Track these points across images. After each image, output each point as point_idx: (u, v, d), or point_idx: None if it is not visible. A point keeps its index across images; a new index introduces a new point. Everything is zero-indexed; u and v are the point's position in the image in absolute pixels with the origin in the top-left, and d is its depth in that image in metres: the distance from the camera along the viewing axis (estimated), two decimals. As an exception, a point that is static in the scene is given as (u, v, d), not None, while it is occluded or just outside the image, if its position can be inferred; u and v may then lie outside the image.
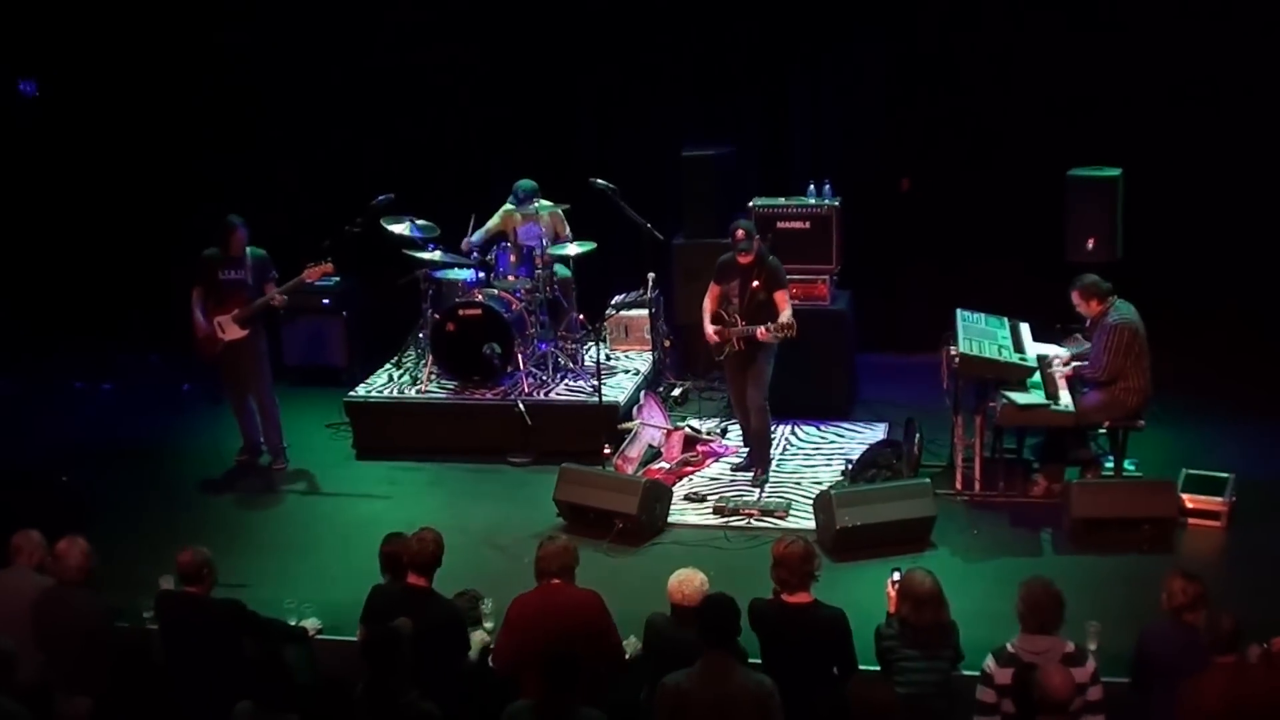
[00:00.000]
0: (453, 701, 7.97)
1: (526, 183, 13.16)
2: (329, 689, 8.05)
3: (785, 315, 11.21)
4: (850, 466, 11.62)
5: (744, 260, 11.29)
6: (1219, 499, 10.73)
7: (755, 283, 11.32)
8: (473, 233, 13.34)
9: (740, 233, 11.27)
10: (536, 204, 13.17)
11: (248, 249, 11.97)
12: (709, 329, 11.52)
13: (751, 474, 11.76)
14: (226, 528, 11.27)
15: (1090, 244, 12.56)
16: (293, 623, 9.20)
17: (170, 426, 13.52)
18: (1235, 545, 10.51)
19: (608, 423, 12.10)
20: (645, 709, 7.93)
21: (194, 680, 8.42)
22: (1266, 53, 13.21)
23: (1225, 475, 10.92)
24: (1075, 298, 11.08)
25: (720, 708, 7.27)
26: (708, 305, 11.57)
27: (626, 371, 13.40)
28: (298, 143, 15.07)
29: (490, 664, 8.32)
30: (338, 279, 13.45)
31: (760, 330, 11.19)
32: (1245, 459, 11.39)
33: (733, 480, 11.81)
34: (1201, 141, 13.43)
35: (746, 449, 11.99)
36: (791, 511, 11.20)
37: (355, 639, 8.66)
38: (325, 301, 14.09)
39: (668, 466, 12.01)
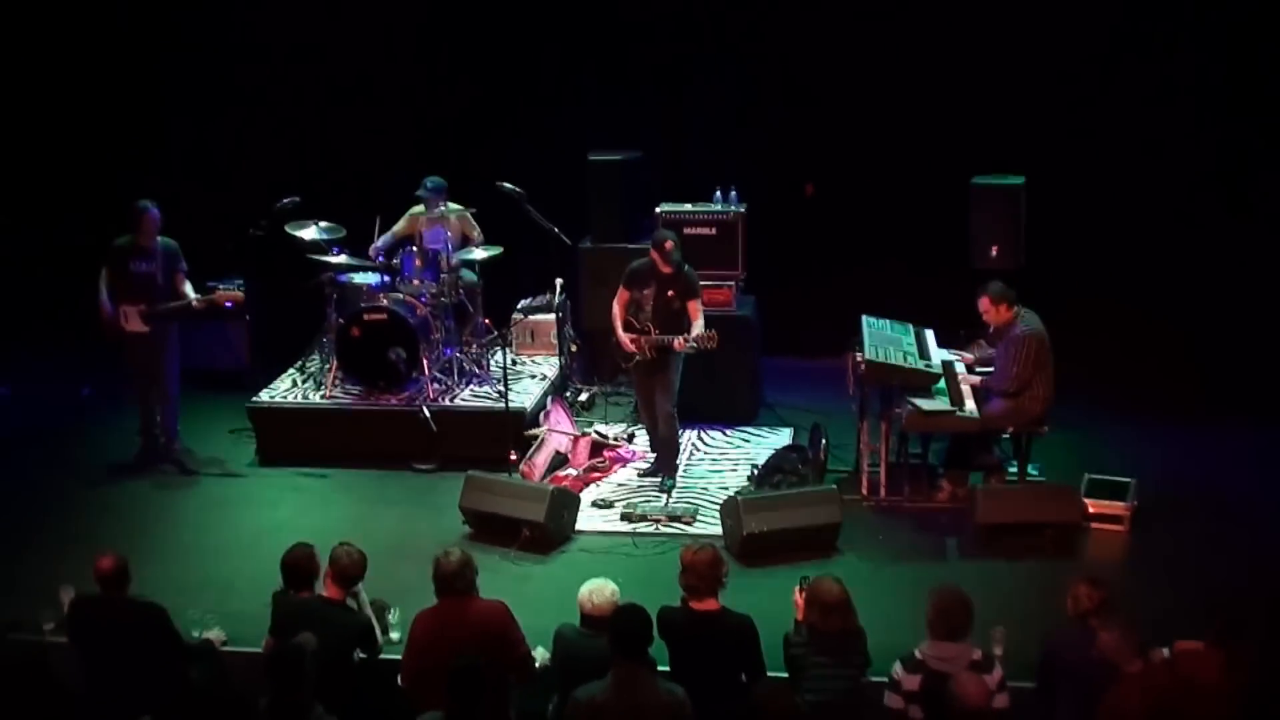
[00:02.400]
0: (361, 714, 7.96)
1: (435, 178, 13.11)
2: (234, 703, 7.95)
3: (698, 325, 11.22)
4: (756, 472, 11.64)
5: (665, 270, 11.30)
6: (1121, 503, 10.87)
7: (671, 291, 11.33)
8: (378, 238, 13.26)
9: (670, 244, 11.28)
10: (444, 206, 13.10)
11: (159, 239, 11.87)
12: (623, 337, 11.50)
13: (659, 479, 11.76)
14: (127, 536, 11.05)
15: (994, 251, 12.67)
16: (196, 634, 9.08)
17: (70, 431, 13.30)
18: (1138, 548, 10.66)
19: (514, 429, 12.05)
20: (554, 720, 7.92)
21: (108, 688, 8.28)
22: (1162, 62, 13.37)
23: (1127, 480, 11.06)
24: (984, 303, 11.14)
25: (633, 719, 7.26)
26: (617, 311, 11.56)
27: (533, 376, 13.34)
28: (202, 144, 14.89)
29: (399, 682, 8.23)
30: (241, 282, 13.34)
31: (678, 341, 11.19)
32: (1146, 463, 11.57)
33: (640, 486, 11.81)
34: (1100, 148, 13.59)
35: (654, 454, 11.98)
36: (699, 517, 11.22)
37: (259, 650, 8.59)
38: (228, 305, 13.89)
39: (575, 473, 11.98)
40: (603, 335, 13.12)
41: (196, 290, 12.17)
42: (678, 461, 11.94)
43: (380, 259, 13.13)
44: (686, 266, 11.45)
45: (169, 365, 12.20)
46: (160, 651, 8.40)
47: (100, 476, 12.27)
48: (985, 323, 11.32)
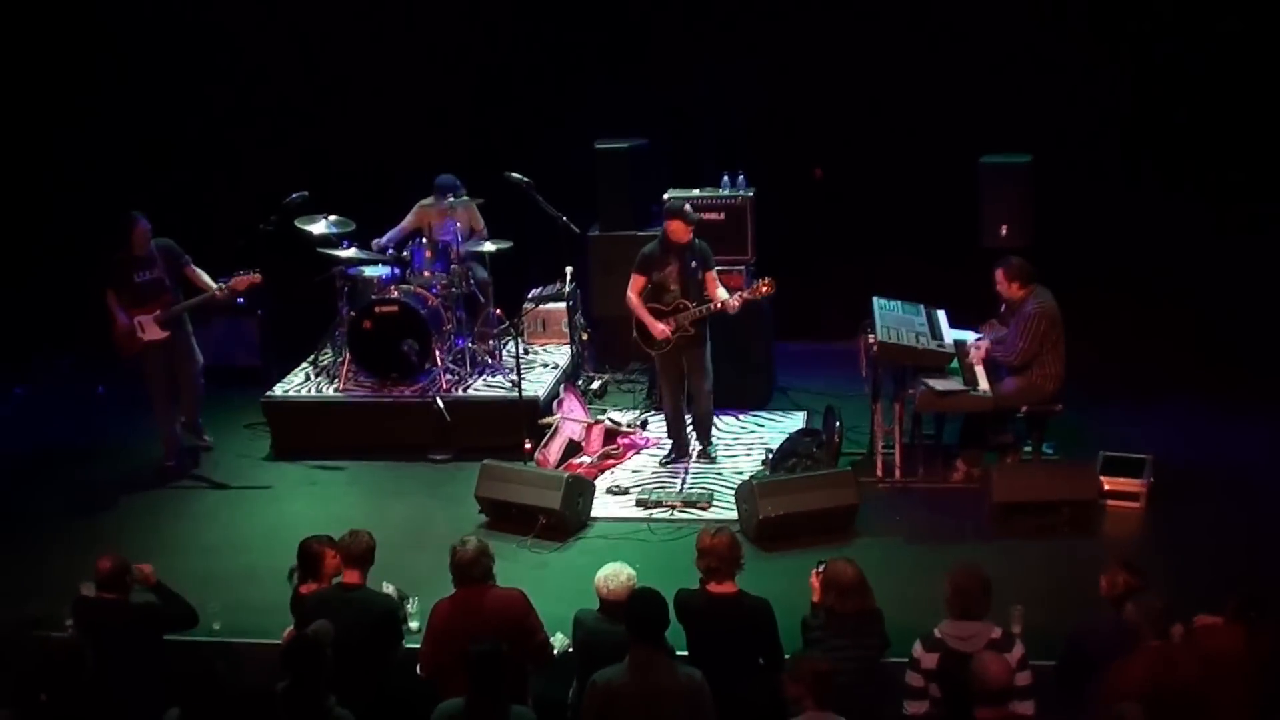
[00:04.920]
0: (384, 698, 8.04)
1: (448, 177, 13.13)
2: (254, 696, 7.97)
3: (723, 291, 11.34)
4: (771, 456, 11.65)
5: (686, 238, 11.33)
6: (1137, 480, 10.85)
7: (694, 262, 11.40)
8: (384, 236, 13.29)
9: (688, 206, 11.39)
10: (451, 198, 13.12)
11: (152, 242, 11.85)
12: (653, 321, 11.44)
13: (685, 459, 11.88)
14: (147, 531, 11.15)
15: (1004, 230, 12.68)
16: (216, 627, 9.14)
17: (86, 430, 13.31)
18: (1154, 526, 10.67)
19: (528, 418, 12.06)
20: (575, 706, 7.92)
21: (121, 685, 8.33)
22: (1168, 37, 13.36)
23: (1142, 457, 11.04)
24: (999, 277, 11.13)
25: (651, 703, 7.27)
26: (636, 301, 11.52)
27: (545, 365, 13.35)
28: (210, 141, 14.89)
29: (419, 671, 8.26)
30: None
31: (731, 302, 11.28)
32: (1161, 440, 11.53)
33: (654, 472, 11.82)
34: (1108, 124, 13.57)
35: (670, 440, 12.01)
36: (714, 502, 11.23)
37: (279, 641, 8.63)
38: (240, 301, 13.87)
39: (589, 460, 11.99)
40: (613, 323, 13.19)
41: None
42: (690, 450, 11.99)
43: (390, 252, 13.14)
44: (698, 239, 11.52)
45: (192, 368, 12.19)
46: (161, 647, 8.49)
47: (122, 475, 12.27)
48: (1000, 298, 11.30)
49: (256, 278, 12.03)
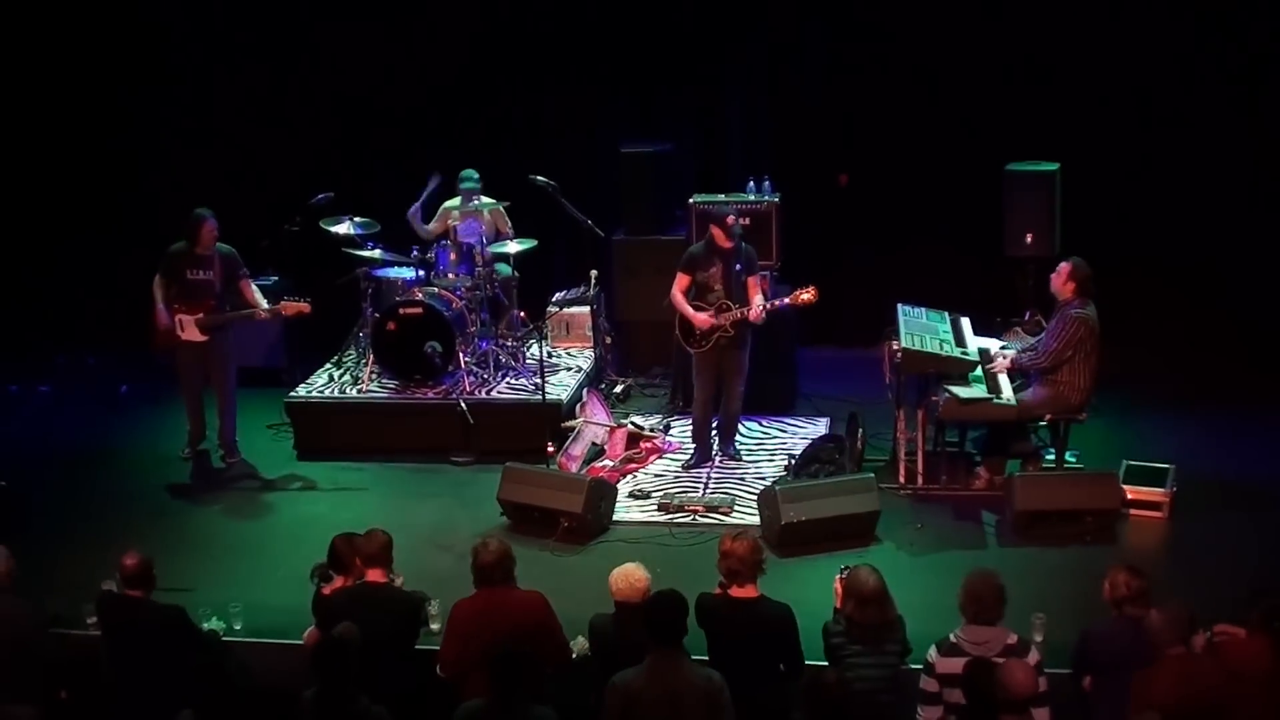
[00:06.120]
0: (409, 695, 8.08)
1: (470, 171, 13.23)
2: (270, 697, 7.99)
3: (759, 299, 11.36)
4: (793, 462, 11.63)
5: (727, 245, 11.37)
6: (1160, 490, 10.80)
7: (739, 265, 11.41)
8: (422, 198, 13.30)
9: (731, 218, 11.41)
10: (478, 200, 13.14)
11: (216, 245, 11.81)
12: (695, 315, 11.46)
13: (708, 463, 11.87)
14: (168, 531, 11.13)
15: (1029, 238, 12.65)
16: (238, 626, 9.20)
17: (109, 429, 13.36)
18: (1177, 536, 10.61)
19: (551, 421, 12.06)
20: (595, 710, 7.92)
21: (137, 684, 8.36)
22: (1201, 47, 13.31)
23: (1166, 466, 11.00)
24: (1062, 269, 11.01)
25: (670, 704, 7.26)
26: (681, 299, 11.53)
27: (569, 369, 13.35)
28: (233, 141, 14.93)
29: (438, 671, 8.27)
30: (276, 279, 13.39)
31: (755, 311, 11.30)
32: (1185, 450, 11.50)
33: (677, 477, 11.81)
34: (1135, 133, 13.53)
35: (693, 444, 12.02)
36: (736, 507, 11.20)
37: (299, 642, 8.65)
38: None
39: (611, 464, 11.99)
40: (636, 327, 13.18)
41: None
42: (714, 456, 11.99)
43: (414, 254, 13.12)
44: (744, 243, 11.54)
45: (226, 376, 12.13)
46: (182, 651, 8.49)
47: (144, 474, 12.29)
48: (1045, 295, 11.24)
49: (305, 306, 11.96)
